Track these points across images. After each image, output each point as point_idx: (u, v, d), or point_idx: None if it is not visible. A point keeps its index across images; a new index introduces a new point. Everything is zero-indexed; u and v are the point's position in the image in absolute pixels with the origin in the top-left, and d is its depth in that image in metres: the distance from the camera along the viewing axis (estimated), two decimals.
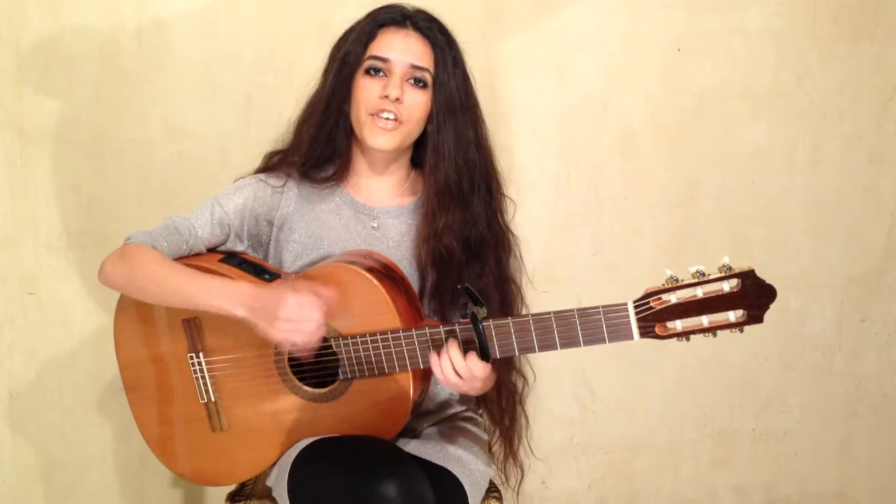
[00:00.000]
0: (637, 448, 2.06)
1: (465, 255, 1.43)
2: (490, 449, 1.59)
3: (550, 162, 1.91)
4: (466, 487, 1.34)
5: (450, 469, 1.35)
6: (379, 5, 1.43)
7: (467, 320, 1.24)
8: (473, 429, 1.51)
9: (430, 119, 1.41)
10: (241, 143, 1.81)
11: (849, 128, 1.95)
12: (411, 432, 1.44)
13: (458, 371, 1.24)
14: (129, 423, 1.50)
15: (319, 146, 1.43)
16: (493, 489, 1.51)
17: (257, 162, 1.55)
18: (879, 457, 2.12)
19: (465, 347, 1.25)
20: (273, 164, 1.50)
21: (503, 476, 1.60)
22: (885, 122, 1.95)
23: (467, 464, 1.39)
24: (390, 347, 1.28)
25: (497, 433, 1.57)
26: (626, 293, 1.94)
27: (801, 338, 2.04)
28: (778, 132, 1.94)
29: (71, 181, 1.79)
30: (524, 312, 1.52)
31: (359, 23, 1.43)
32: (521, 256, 1.53)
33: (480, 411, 1.59)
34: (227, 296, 1.27)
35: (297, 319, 1.21)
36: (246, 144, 1.80)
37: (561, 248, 1.94)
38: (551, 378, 1.98)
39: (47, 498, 1.91)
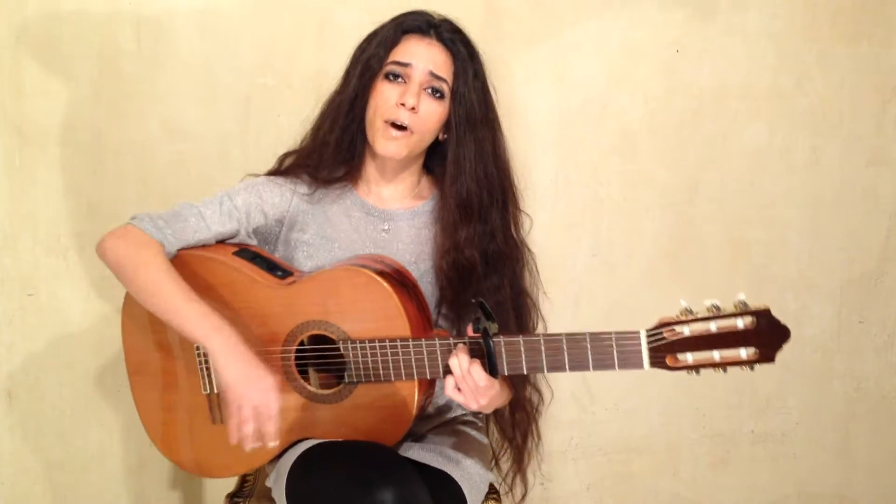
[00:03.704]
0: (636, 449, 2.07)
1: (483, 269, 1.42)
2: (497, 462, 1.58)
3: (550, 163, 1.91)
4: (465, 491, 1.34)
5: (448, 472, 1.35)
6: (403, 11, 1.43)
7: (478, 335, 1.23)
8: (473, 432, 1.51)
9: (447, 129, 1.42)
10: (241, 143, 1.81)
11: (848, 129, 1.95)
12: (411, 436, 1.44)
13: (461, 372, 1.23)
14: (129, 424, 1.50)
15: (343, 150, 1.43)
16: (492, 491, 1.51)
17: (257, 163, 1.55)
18: (878, 458, 2.12)
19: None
20: (287, 166, 1.49)
21: (510, 490, 1.59)
22: (884, 123, 1.96)
23: (466, 467, 1.39)
24: (398, 355, 1.28)
25: (507, 448, 1.56)
26: (625, 294, 1.96)
27: (799, 339, 2.03)
28: (777, 133, 1.94)
29: (70, 182, 1.79)
30: (539, 327, 1.52)
31: (383, 27, 1.43)
32: (537, 271, 1.53)
33: (481, 415, 1.59)
34: (209, 326, 1.25)
35: (263, 413, 1.22)
36: (245, 145, 1.80)
37: (560, 249, 1.94)
38: (551, 380, 1.98)
39: (46, 499, 1.91)
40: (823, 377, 2.07)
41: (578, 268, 1.96)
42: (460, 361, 1.22)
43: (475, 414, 1.57)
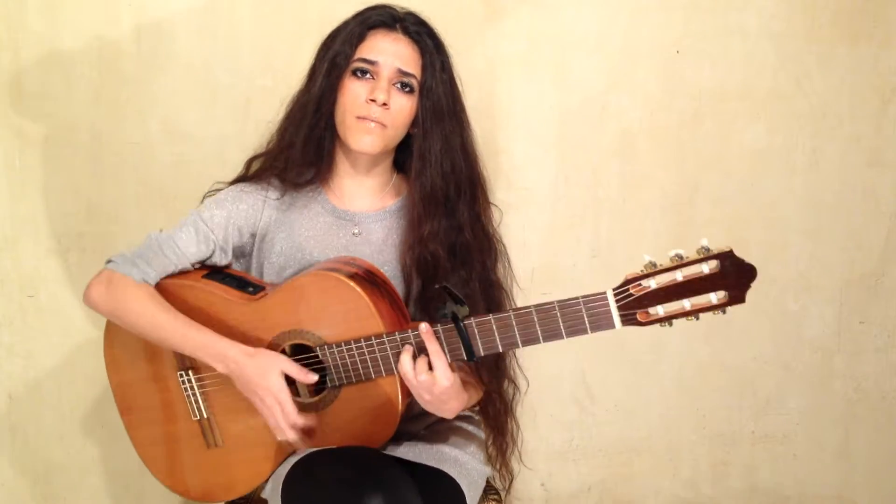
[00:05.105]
0: (636, 450, 2.06)
1: (450, 262, 1.42)
2: (487, 452, 1.58)
3: (549, 164, 1.91)
4: (463, 487, 1.34)
5: (445, 470, 1.35)
6: (367, 5, 1.42)
7: (448, 321, 1.23)
8: (469, 427, 1.51)
9: (415, 123, 1.41)
10: (240, 145, 1.79)
11: (848, 130, 1.95)
12: (406, 435, 1.44)
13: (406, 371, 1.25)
14: None
15: (311, 150, 1.41)
16: (492, 490, 1.51)
17: None
18: (878, 459, 2.12)
19: (451, 348, 1.25)
20: (254, 171, 1.49)
21: (505, 487, 1.59)
22: (884, 124, 1.95)
23: (464, 463, 1.39)
24: (375, 352, 1.28)
25: (490, 439, 1.56)
26: None
27: (800, 340, 2.04)
28: (777, 134, 1.94)
29: (70, 184, 1.79)
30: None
31: (347, 23, 1.41)
32: (509, 263, 1.52)
33: (476, 408, 1.58)
34: (213, 354, 1.31)
35: (276, 405, 1.29)
36: (244, 147, 1.78)
37: (560, 250, 1.94)
38: (551, 381, 1.98)
39: (46, 501, 1.91)
40: (824, 378, 2.07)
41: (578, 269, 1.95)
42: (402, 362, 1.25)
43: (471, 408, 1.57)
